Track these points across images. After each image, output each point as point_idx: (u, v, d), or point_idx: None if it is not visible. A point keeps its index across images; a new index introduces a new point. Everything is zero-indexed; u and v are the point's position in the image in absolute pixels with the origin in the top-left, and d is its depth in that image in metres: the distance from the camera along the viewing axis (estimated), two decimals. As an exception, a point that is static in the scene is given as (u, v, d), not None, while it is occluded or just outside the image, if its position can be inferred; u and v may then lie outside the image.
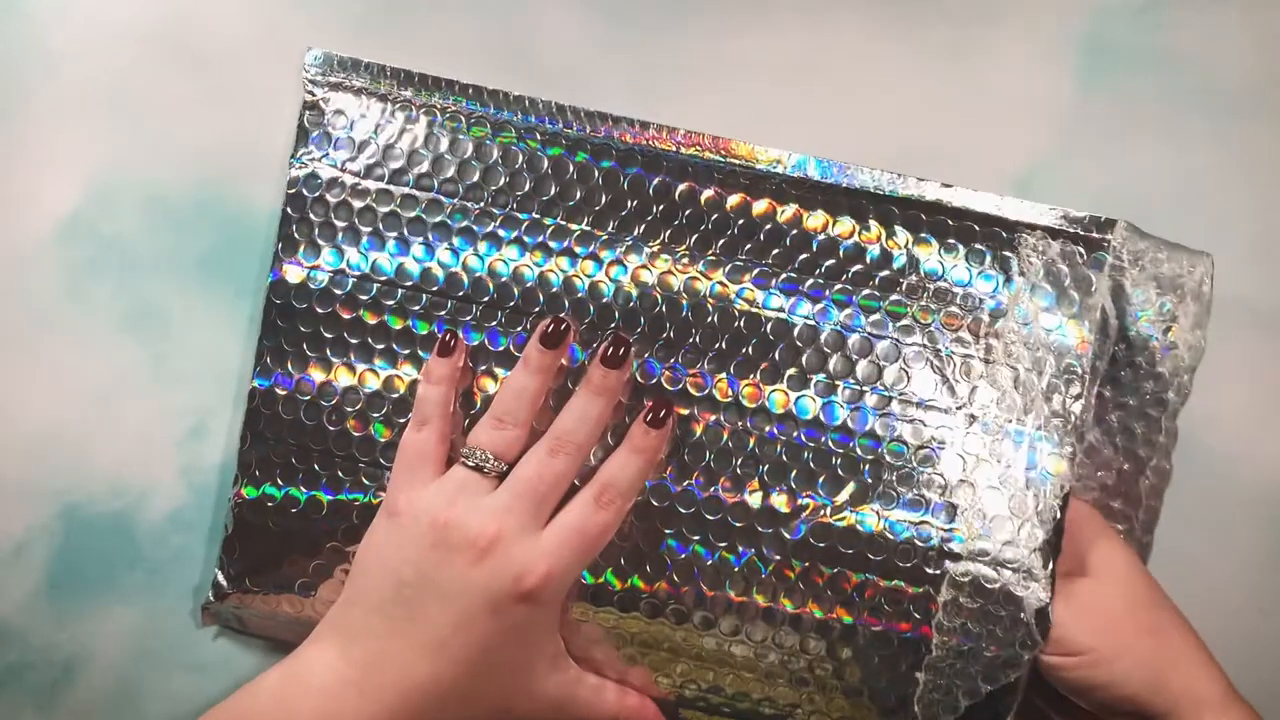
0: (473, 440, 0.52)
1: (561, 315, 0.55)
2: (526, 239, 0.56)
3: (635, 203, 0.56)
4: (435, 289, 0.56)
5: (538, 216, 0.56)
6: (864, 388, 0.54)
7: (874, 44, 0.61)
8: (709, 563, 0.54)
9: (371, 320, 0.56)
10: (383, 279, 0.56)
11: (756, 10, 0.61)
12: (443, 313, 0.56)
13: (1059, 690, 0.53)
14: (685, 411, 0.55)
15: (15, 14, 0.60)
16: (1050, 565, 0.52)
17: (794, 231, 0.55)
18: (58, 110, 0.60)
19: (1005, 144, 0.60)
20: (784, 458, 0.54)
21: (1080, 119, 0.61)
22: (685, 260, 0.55)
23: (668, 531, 0.54)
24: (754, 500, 0.54)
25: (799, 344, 0.55)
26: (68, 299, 0.60)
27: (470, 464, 0.52)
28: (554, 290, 0.55)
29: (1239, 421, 0.60)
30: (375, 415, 0.56)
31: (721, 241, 0.55)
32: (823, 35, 0.61)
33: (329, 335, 0.56)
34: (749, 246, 0.55)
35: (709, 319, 0.55)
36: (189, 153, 0.60)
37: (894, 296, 0.55)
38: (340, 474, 0.56)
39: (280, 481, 0.56)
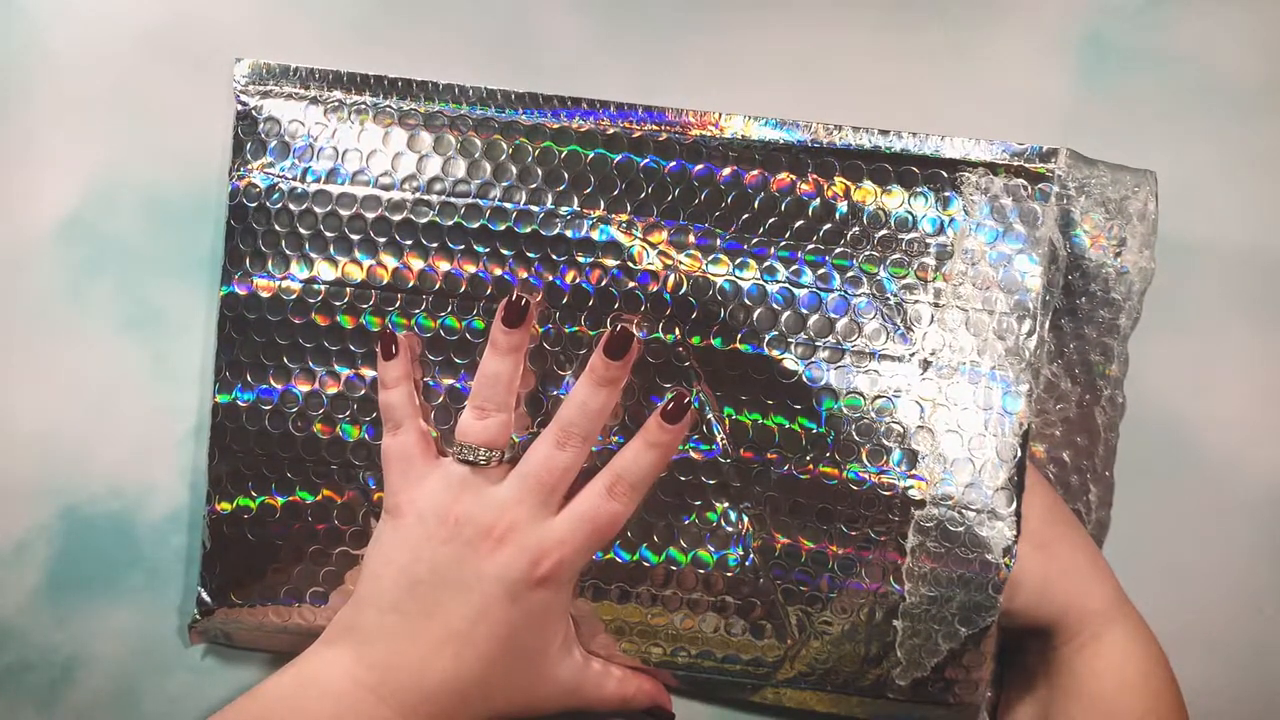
0: (460, 435, 0.53)
1: (519, 293, 0.54)
2: (466, 224, 0.56)
3: (570, 176, 0.56)
4: (382, 285, 0.56)
5: (475, 201, 0.55)
6: (816, 342, 0.54)
7: (874, 43, 0.61)
8: (686, 523, 0.55)
9: (324, 323, 0.56)
10: (330, 281, 0.56)
11: (756, 9, 0.61)
12: (393, 308, 0.56)
13: None
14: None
15: (15, 14, 0.60)
16: (1014, 504, 0.53)
17: (734, 192, 0.55)
18: (58, 110, 0.60)
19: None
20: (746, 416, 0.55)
21: (1080, 119, 0.61)
22: (627, 227, 0.55)
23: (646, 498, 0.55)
24: (723, 459, 0.55)
25: (748, 303, 0.55)
26: (68, 299, 0.60)
27: (463, 459, 0.52)
28: (498, 277, 0.55)
29: (1239, 421, 0.60)
30: (341, 416, 0.56)
31: (662, 206, 0.55)
32: (822, 35, 0.61)
33: (284, 343, 0.56)
34: (690, 210, 0.55)
35: (657, 285, 0.55)
36: (189, 153, 0.60)
37: (839, 248, 0.55)
38: (314, 478, 0.56)
39: (254, 492, 0.56)
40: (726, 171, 0.55)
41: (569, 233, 0.55)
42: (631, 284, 0.55)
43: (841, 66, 0.61)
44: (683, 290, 0.55)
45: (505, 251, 0.55)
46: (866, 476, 0.54)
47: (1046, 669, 0.53)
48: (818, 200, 0.55)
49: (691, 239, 0.55)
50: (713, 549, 0.55)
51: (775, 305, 0.55)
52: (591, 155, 0.56)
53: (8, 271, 0.60)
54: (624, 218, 0.55)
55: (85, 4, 0.61)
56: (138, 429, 0.60)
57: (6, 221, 0.60)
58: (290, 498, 0.56)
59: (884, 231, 0.55)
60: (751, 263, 0.55)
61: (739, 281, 0.55)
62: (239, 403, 0.56)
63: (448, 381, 0.55)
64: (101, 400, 0.60)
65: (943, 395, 0.54)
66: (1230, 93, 0.61)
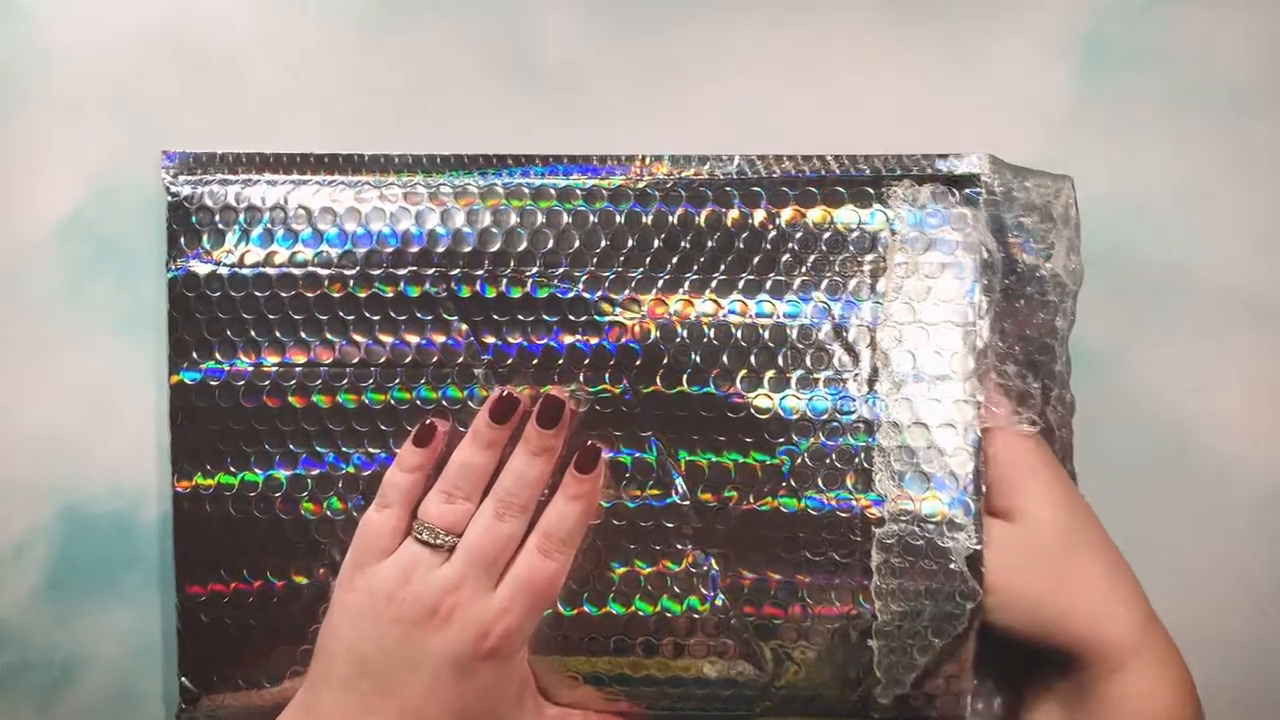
0: (423, 514, 0.53)
1: (509, 389, 0.55)
2: (408, 294, 0.56)
3: (502, 235, 0.56)
4: (330, 363, 0.56)
5: (415, 269, 0.56)
6: (761, 373, 0.55)
7: (873, 43, 0.61)
8: (652, 571, 0.55)
9: (275, 405, 0.56)
10: (278, 363, 0.56)
11: (756, 9, 0.61)
12: (342, 384, 0.56)
13: None
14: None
15: (15, 14, 0.60)
16: (974, 511, 0.53)
17: (663, 232, 0.55)
18: (58, 110, 0.61)
19: (1005, 144, 0.59)
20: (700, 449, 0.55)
21: (1080, 119, 0.60)
22: (564, 280, 0.55)
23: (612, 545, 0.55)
24: (682, 502, 0.55)
25: (689, 343, 0.55)
26: (68, 299, 0.60)
27: (422, 539, 0.53)
28: (444, 344, 0.56)
29: (1239, 421, 0.60)
30: (300, 495, 0.56)
31: (595, 256, 0.56)
32: (822, 35, 0.61)
33: (238, 428, 0.56)
34: (624, 256, 0.56)
35: (598, 338, 0.55)
36: (189, 153, 0.60)
37: (773, 276, 0.55)
38: (282, 560, 0.56)
39: (226, 577, 0.56)
40: (655, 214, 0.56)
41: (510, 292, 0.55)
42: (573, 338, 0.55)
43: (841, 67, 0.61)
44: (624, 339, 0.55)
45: (448, 317, 0.56)
46: (825, 501, 0.54)
47: (1070, 692, 0.53)
48: (748, 231, 0.55)
49: (630, 286, 0.55)
50: (681, 593, 0.55)
51: (716, 341, 0.55)
52: (521, 211, 0.56)
53: (8, 271, 0.60)
54: (560, 271, 0.55)
55: (85, 4, 0.61)
56: (138, 429, 0.60)
57: (6, 221, 0.60)
58: (260, 582, 0.56)
59: (815, 254, 0.55)
60: (689, 301, 0.55)
61: (678, 322, 0.55)
62: (200, 491, 0.56)
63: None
64: (101, 400, 0.60)
65: (890, 411, 0.54)
66: (1230, 93, 0.61)
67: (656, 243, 0.55)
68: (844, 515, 0.54)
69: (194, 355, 0.56)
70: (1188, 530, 0.59)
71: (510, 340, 0.55)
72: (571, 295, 0.55)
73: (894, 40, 0.61)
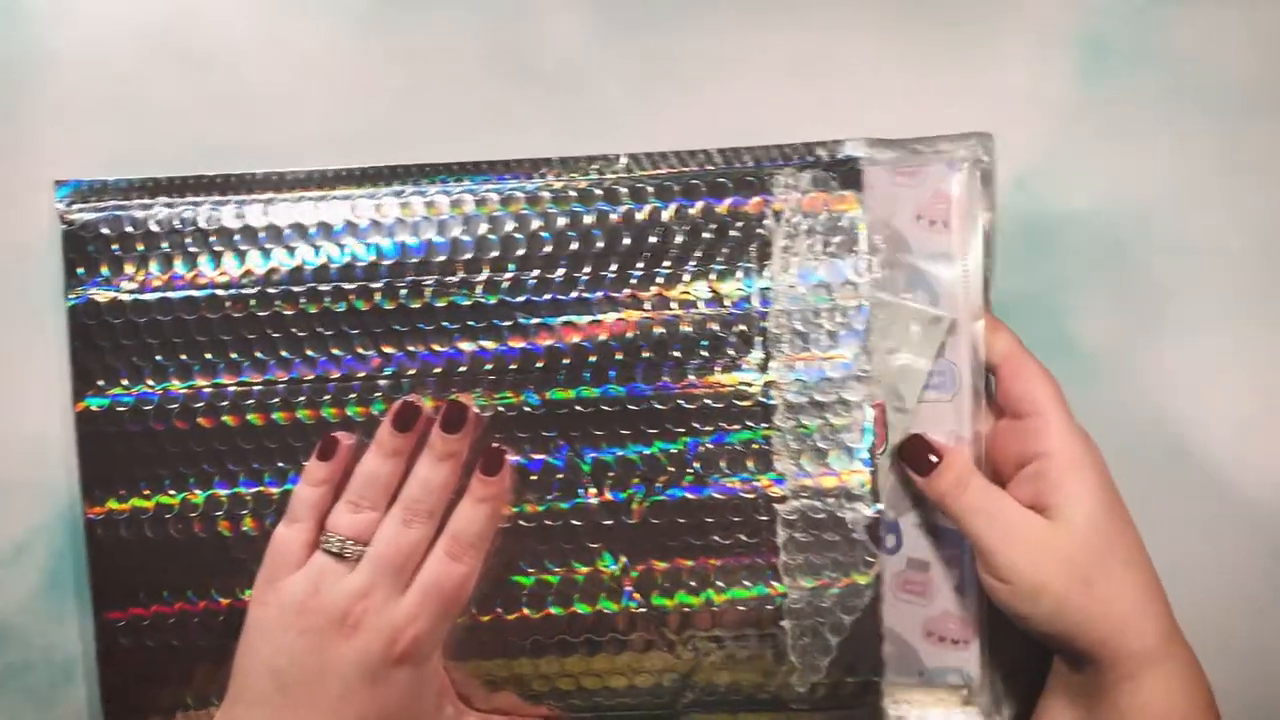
0: (331, 525, 0.53)
1: (412, 398, 0.55)
2: (309, 310, 0.56)
3: (399, 247, 0.56)
4: (236, 384, 0.56)
5: (314, 286, 0.56)
6: (660, 364, 0.55)
7: (874, 43, 0.61)
8: (564, 571, 0.56)
9: (184, 427, 0.56)
10: (187, 387, 0.56)
11: (756, 9, 0.61)
12: (250, 402, 0.56)
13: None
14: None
15: (15, 14, 0.61)
16: (870, 483, 0.55)
17: (555, 236, 0.56)
18: (58, 110, 0.61)
19: (1005, 143, 0.60)
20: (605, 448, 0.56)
21: (1080, 119, 0.60)
22: (462, 289, 0.56)
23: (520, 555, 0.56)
24: (591, 501, 0.56)
25: (586, 345, 0.56)
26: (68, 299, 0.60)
27: (329, 549, 0.53)
28: (345, 361, 0.56)
29: (1239, 421, 0.60)
30: (216, 514, 0.56)
31: (489, 262, 0.56)
32: (823, 35, 0.61)
33: (150, 452, 0.56)
34: (517, 263, 0.56)
35: (498, 344, 0.56)
36: (189, 153, 0.60)
37: (664, 270, 0.56)
38: (201, 581, 0.56)
39: (145, 600, 0.57)
40: (545, 217, 0.56)
41: (412, 304, 0.56)
42: (472, 346, 0.56)
43: (841, 67, 0.61)
44: (524, 345, 0.56)
45: (351, 331, 0.56)
46: (729, 485, 0.55)
47: (1090, 693, 0.53)
48: (637, 227, 0.56)
49: (525, 290, 0.56)
50: (594, 592, 0.56)
51: (613, 341, 0.55)
52: (415, 224, 0.56)
53: (8, 271, 0.60)
54: (457, 278, 0.56)
55: (85, 4, 0.61)
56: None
57: (7, 221, 0.60)
58: (181, 603, 0.56)
59: (703, 246, 0.56)
60: (585, 303, 0.56)
61: (577, 324, 0.56)
62: (114, 517, 0.56)
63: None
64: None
65: (784, 392, 0.55)
66: (1230, 93, 0.60)
67: (548, 248, 0.56)
68: (748, 497, 0.55)
69: (99, 383, 0.56)
70: (1188, 530, 0.59)
71: (411, 350, 0.56)
72: (469, 304, 0.56)
73: (894, 40, 0.61)
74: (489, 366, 0.56)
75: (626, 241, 0.56)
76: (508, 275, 0.56)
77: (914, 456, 0.55)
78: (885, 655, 0.57)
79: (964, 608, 0.56)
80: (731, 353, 0.55)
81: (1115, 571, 0.52)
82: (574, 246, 0.56)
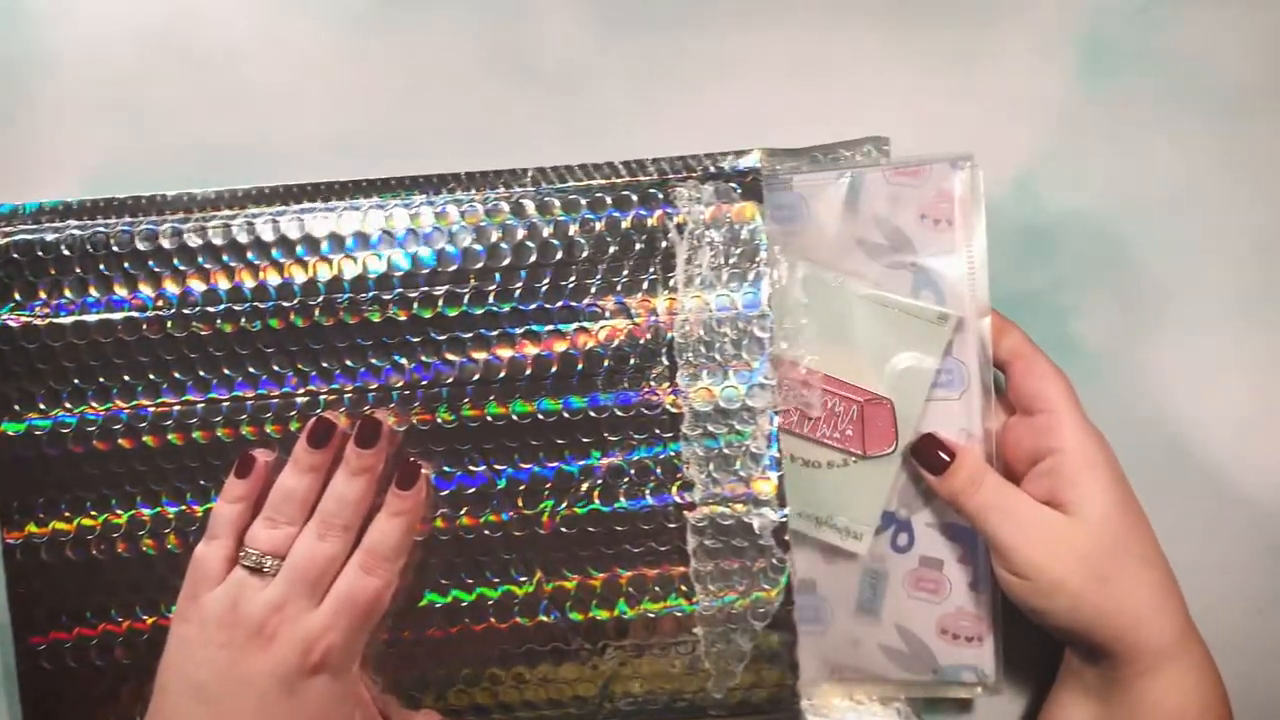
0: (248, 541, 0.54)
1: (327, 414, 0.55)
2: (224, 330, 0.56)
3: (304, 269, 0.56)
4: (154, 405, 0.56)
5: (229, 306, 0.56)
6: (568, 378, 0.56)
7: (875, 44, 0.61)
8: (479, 586, 0.56)
9: (104, 449, 0.56)
10: (104, 410, 0.56)
11: (757, 10, 0.61)
12: (169, 421, 0.56)
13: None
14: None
15: (16, 14, 0.61)
16: (777, 489, 0.55)
17: (461, 253, 0.56)
18: (58, 110, 0.61)
19: (1005, 144, 0.60)
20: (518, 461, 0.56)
21: (1080, 119, 0.60)
22: (374, 306, 0.56)
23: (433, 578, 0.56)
24: (506, 516, 0.56)
25: (497, 363, 0.56)
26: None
27: (248, 564, 0.53)
28: (260, 380, 0.56)
29: (1239, 421, 0.60)
30: (140, 534, 0.56)
31: (399, 280, 0.56)
32: (823, 35, 0.61)
33: (69, 475, 0.56)
34: (424, 280, 0.56)
35: (411, 362, 0.56)
36: (189, 152, 0.60)
37: (571, 283, 0.56)
38: (125, 603, 0.56)
39: (66, 621, 0.56)
40: (451, 234, 0.56)
41: (325, 323, 0.56)
42: (386, 364, 0.56)
43: (841, 68, 0.61)
44: (436, 361, 0.56)
45: (267, 350, 0.56)
46: (639, 494, 0.56)
47: (1103, 687, 0.53)
48: (543, 241, 0.56)
49: (435, 305, 0.56)
50: (510, 605, 0.56)
51: (521, 357, 0.56)
52: (324, 245, 0.56)
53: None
54: (368, 296, 0.56)
55: (86, 4, 0.61)
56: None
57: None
58: (104, 625, 0.56)
59: (609, 258, 0.56)
60: (494, 317, 0.56)
61: (486, 337, 0.56)
62: (34, 540, 0.56)
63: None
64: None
65: (690, 399, 0.55)
66: (1230, 93, 0.60)
67: (454, 265, 0.56)
68: (658, 506, 0.56)
69: (15, 408, 0.56)
70: (1188, 530, 0.59)
71: (326, 368, 0.56)
72: (382, 321, 0.56)
73: (894, 42, 0.61)
74: (403, 383, 0.56)
75: (533, 257, 0.56)
76: (418, 291, 0.56)
77: (927, 455, 0.55)
78: (898, 653, 0.57)
79: (978, 605, 0.56)
80: (638, 365, 0.56)
81: (1131, 567, 0.52)
82: (482, 263, 0.56)
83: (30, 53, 0.61)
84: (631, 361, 0.56)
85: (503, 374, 0.56)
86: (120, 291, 0.56)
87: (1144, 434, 0.60)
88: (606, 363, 0.56)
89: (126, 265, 0.56)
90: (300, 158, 0.60)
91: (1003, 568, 0.53)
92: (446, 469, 0.56)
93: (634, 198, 0.56)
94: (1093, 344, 0.60)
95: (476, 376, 0.56)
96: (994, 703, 0.59)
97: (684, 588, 0.55)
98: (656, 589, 0.56)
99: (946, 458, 0.54)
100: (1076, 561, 0.52)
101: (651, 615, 0.56)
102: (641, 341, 0.56)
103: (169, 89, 0.61)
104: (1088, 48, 0.61)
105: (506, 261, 0.56)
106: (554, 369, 0.56)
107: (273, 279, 0.56)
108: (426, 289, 0.56)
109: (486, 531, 0.56)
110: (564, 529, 0.56)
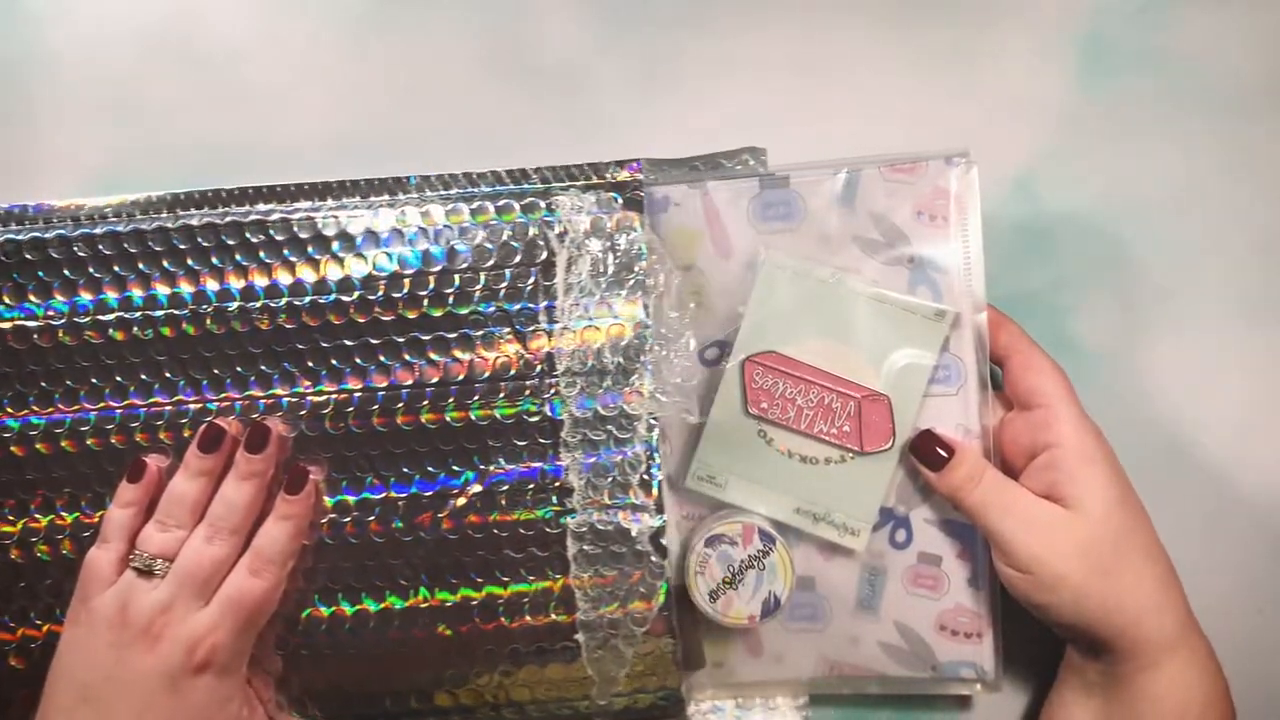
0: (139, 544, 0.54)
1: (217, 420, 0.56)
2: (114, 337, 0.56)
3: (199, 268, 0.56)
4: (51, 412, 0.56)
5: (120, 313, 0.56)
6: (451, 387, 0.56)
7: (875, 44, 0.61)
8: (364, 598, 0.56)
9: (20, 453, 0.56)
10: (30, 423, 0.56)
11: (756, 11, 0.61)
12: (61, 430, 0.56)
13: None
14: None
15: (16, 14, 0.61)
16: (654, 494, 0.56)
17: (340, 268, 0.56)
18: (58, 110, 0.61)
19: (1006, 143, 0.60)
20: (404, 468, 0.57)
21: (1080, 119, 0.60)
22: (262, 314, 0.56)
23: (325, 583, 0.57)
24: (394, 527, 0.56)
25: (377, 376, 0.56)
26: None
27: (137, 566, 0.54)
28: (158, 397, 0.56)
29: (1239, 421, 0.60)
30: (33, 540, 0.56)
31: (288, 289, 0.57)
32: (823, 36, 0.61)
33: None
34: (314, 289, 0.56)
35: (300, 371, 0.56)
36: (189, 152, 0.61)
37: (452, 292, 0.56)
38: (18, 607, 0.56)
39: None
40: (344, 243, 0.57)
41: (217, 331, 0.56)
42: (276, 373, 0.56)
43: (841, 68, 0.61)
44: (325, 370, 0.56)
45: (159, 358, 0.56)
46: (520, 501, 0.56)
47: (1105, 683, 0.53)
48: (426, 250, 0.56)
49: (324, 316, 0.56)
50: (391, 618, 0.56)
51: (406, 366, 0.56)
52: (213, 256, 0.56)
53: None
54: (258, 305, 0.56)
55: (86, 4, 0.61)
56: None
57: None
58: (0, 633, 0.57)
59: (489, 267, 0.56)
60: (377, 329, 0.56)
61: (373, 347, 0.56)
62: None
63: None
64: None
65: (572, 406, 0.56)
66: (1230, 93, 0.60)
67: (340, 275, 0.56)
68: (539, 513, 0.56)
69: None
70: (1188, 530, 0.59)
71: (218, 375, 0.56)
72: (272, 330, 0.56)
73: (894, 42, 0.61)
74: (289, 392, 0.56)
75: (415, 267, 0.56)
76: (305, 300, 0.56)
77: (925, 452, 0.55)
78: (897, 650, 0.57)
79: (977, 601, 0.56)
80: (519, 373, 0.56)
81: (1134, 561, 0.52)
82: (368, 270, 0.56)
83: (30, 53, 0.61)
84: (512, 370, 0.56)
85: (388, 383, 0.56)
86: (8, 300, 0.56)
87: (1144, 434, 0.60)
88: (488, 372, 0.56)
89: (16, 275, 0.56)
90: (299, 156, 0.60)
91: (1004, 563, 0.53)
92: (335, 475, 0.56)
93: (516, 206, 0.56)
94: (1092, 344, 0.60)
95: (362, 386, 0.56)
96: (993, 700, 0.59)
97: (565, 595, 0.56)
98: (538, 596, 0.56)
99: (945, 454, 0.54)
100: (1078, 555, 0.52)
101: (533, 623, 0.56)
102: (522, 350, 0.56)
103: (169, 89, 0.61)
104: (1088, 48, 0.61)
105: (392, 270, 0.56)
106: (437, 379, 0.56)
107: (163, 289, 0.56)
108: (314, 298, 0.56)
109: (375, 539, 0.56)
110: (449, 536, 0.56)
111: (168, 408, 0.56)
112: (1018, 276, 0.60)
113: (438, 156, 0.59)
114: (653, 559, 0.55)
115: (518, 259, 0.56)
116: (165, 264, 0.56)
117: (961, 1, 0.61)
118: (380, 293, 0.56)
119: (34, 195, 0.59)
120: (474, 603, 0.56)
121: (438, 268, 0.56)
